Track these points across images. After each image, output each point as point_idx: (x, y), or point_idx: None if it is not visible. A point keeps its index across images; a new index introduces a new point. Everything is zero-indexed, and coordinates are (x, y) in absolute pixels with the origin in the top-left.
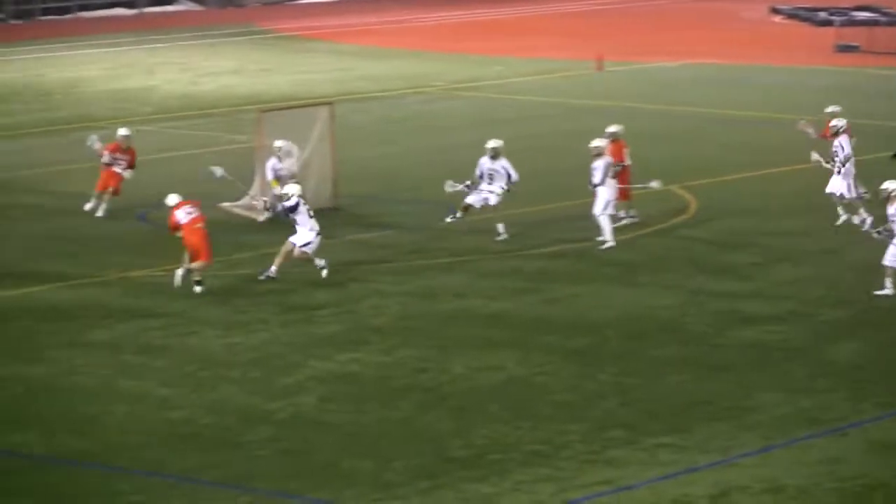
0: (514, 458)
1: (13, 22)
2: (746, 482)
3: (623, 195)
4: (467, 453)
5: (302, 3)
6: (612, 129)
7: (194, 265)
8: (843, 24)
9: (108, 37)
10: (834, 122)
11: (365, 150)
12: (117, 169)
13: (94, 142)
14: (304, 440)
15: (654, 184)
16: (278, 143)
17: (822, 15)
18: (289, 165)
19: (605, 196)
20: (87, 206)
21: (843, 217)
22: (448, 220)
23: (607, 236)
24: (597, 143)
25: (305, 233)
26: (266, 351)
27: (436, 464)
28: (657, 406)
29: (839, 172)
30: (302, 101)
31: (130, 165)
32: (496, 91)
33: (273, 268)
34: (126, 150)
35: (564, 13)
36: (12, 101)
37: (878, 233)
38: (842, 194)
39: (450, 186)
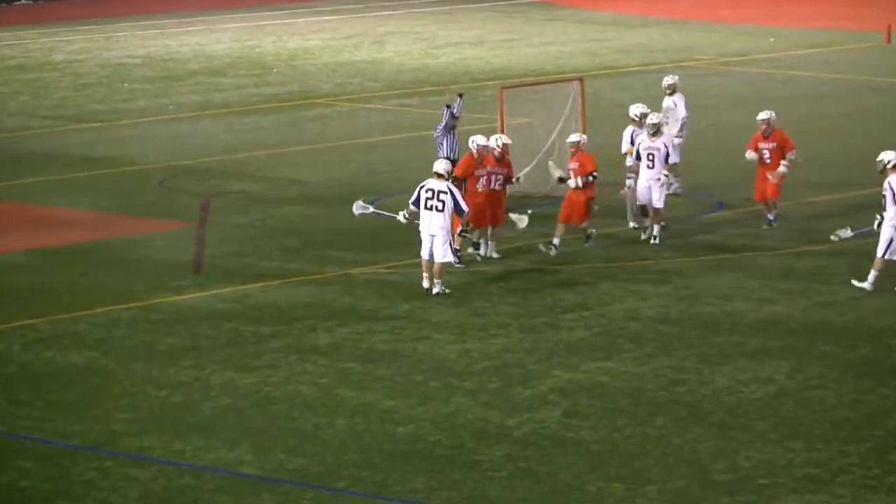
0: (784, 484)
1: None
2: None
3: None
4: (731, 477)
5: None
6: None
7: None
8: None
9: (332, 3)
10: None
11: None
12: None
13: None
14: (545, 459)
15: None
16: (637, 110)
17: None
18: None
19: None
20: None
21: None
22: None
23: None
24: None
25: None
26: (505, 359)
27: (695, 488)
28: None
29: None
30: (550, 76)
31: (507, 179)
32: (769, 66)
33: None
34: (500, 162)
35: None
36: (225, 74)
37: None
38: None
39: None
